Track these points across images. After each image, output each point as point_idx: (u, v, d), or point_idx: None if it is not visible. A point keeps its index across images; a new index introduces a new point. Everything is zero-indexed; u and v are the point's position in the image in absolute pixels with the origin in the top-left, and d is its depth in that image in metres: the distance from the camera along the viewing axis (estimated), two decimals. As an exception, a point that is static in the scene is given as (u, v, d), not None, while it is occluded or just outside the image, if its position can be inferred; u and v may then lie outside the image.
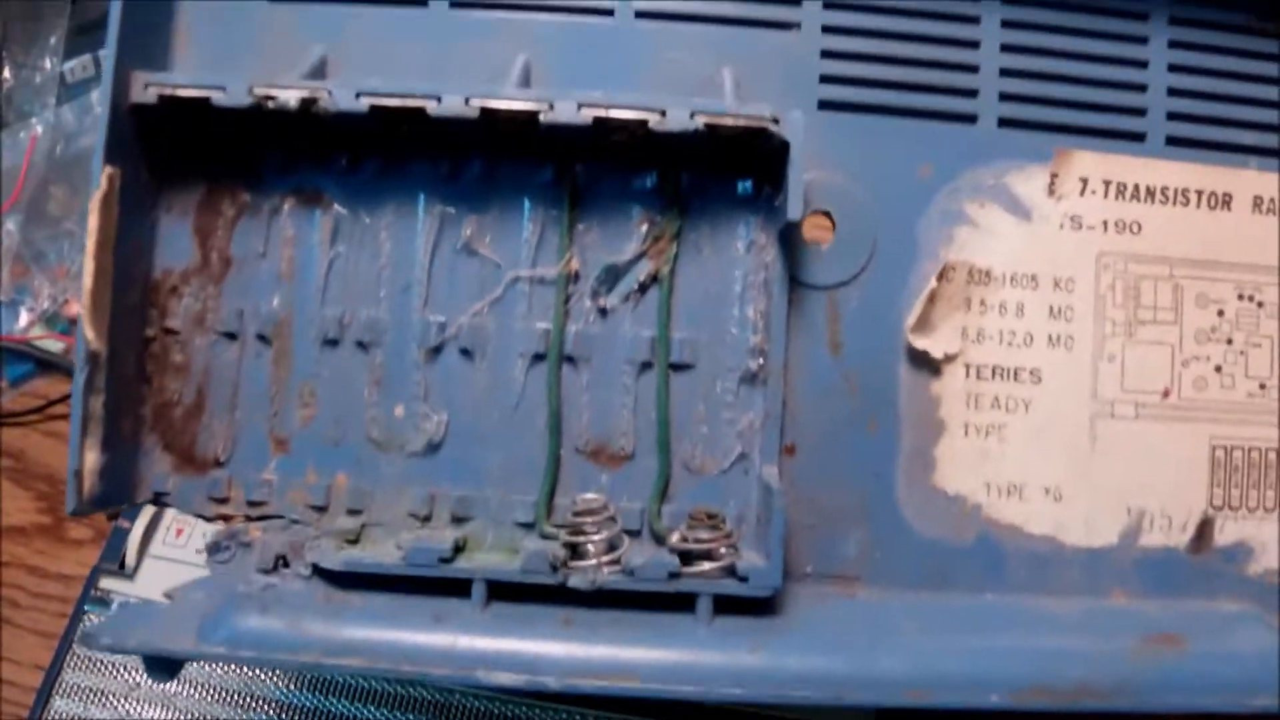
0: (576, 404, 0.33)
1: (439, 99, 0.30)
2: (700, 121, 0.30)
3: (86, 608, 0.47)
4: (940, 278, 0.33)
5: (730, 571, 0.31)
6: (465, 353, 0.33)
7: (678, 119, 0.30)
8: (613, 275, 0.33)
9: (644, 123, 0.30)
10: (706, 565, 0.31)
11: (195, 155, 0.33)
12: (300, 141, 0.33)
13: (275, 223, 0.33)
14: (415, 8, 0.34)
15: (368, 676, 0.33)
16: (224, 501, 0.33)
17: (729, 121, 0.31)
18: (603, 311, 0.33)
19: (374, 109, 0.30)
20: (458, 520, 0.33)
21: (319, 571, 0.31)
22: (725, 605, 0.31)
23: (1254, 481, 0.35)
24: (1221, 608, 0.35)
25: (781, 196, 0.31)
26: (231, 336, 0.33)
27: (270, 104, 0.30)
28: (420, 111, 0.30)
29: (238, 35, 0.34)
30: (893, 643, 0.31)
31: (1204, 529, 0.35)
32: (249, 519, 0.33)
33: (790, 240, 0.32)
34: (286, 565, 0.32)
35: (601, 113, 0.30)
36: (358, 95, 0.30)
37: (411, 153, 0.33)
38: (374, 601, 0.31)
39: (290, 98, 0.31)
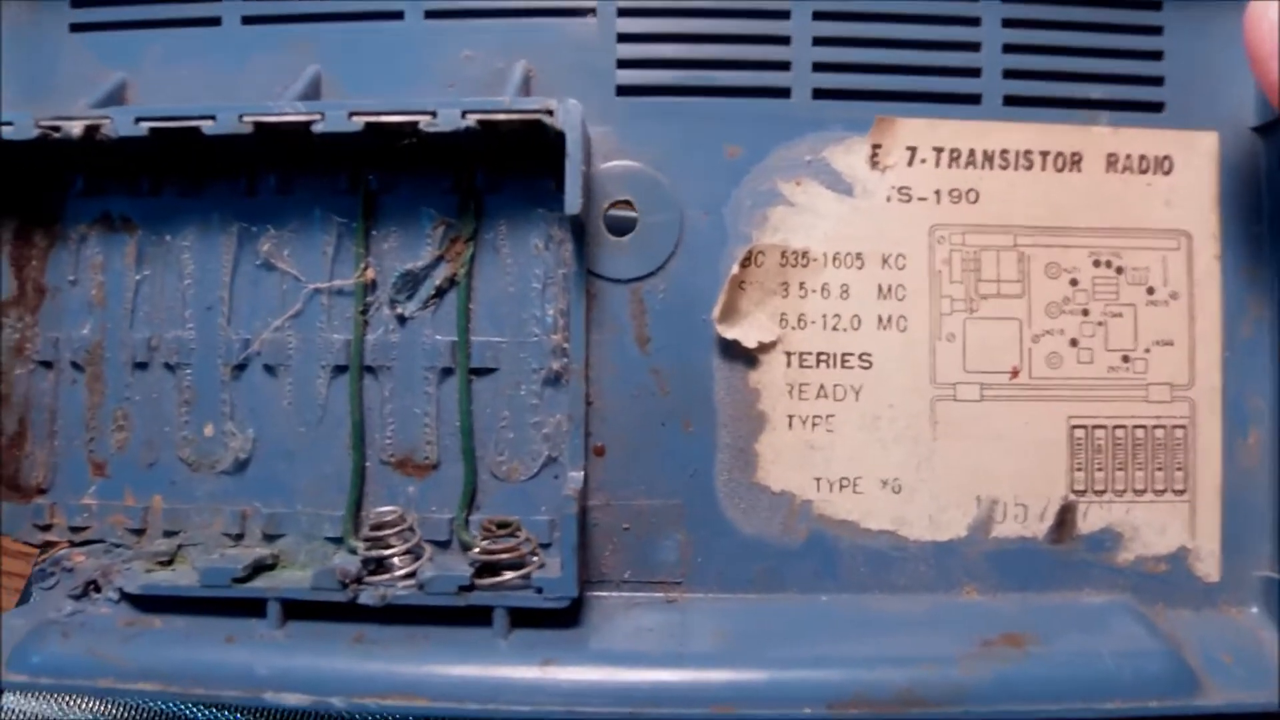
0: (379, 414, 0.32)
1: (214, 118, 0.30)
2: (473, 120, 0.29)
3: None
4: (745, 263, 0.32)
5: (528, 582, 0.30)
6: (269, 369, 0.33)
7: (449, 119, 0.29)
8: (410, 282, 0.32)
9: (415, 124, 0.30)
10: (508, 576, 0.30)
11: (5, 190, 0.33)
12: (105, 169, 0.33)
13: (84, 250, 0.33)
14: (209, 28, 0.33)
15: (167, 701, 0.33)
16: (48, 528, 0.33)
17: (502, 117, 0.30)
18: (401, 319, 0.32)
19: (154, 132, 0.30)
20: (270, 537, 0.32)
21: (126, 596, 0.31)
22: (526, 618, 0.30)
23: (1120, 462, 0.32)
24: (1086, 600, 0.32)
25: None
26: (48, 365, 0.33)
27: (56, 134, 0.31)
28: (197, 131, 0.30)
29: (44, 67, 0.34)
30: (702, 652, 0.30)
31: (1065, 516, 0.32)
32: (72, 544, 0.33)
33: (580, 234, 0.31)
34: (99, 590, 0.32)
35: (372, 118, 0.30)
36: (137, 120, 0.30)
37: (209, 171, 0.33)
38: (174, 624, 0.31)
39: (74, 127, 0.31)
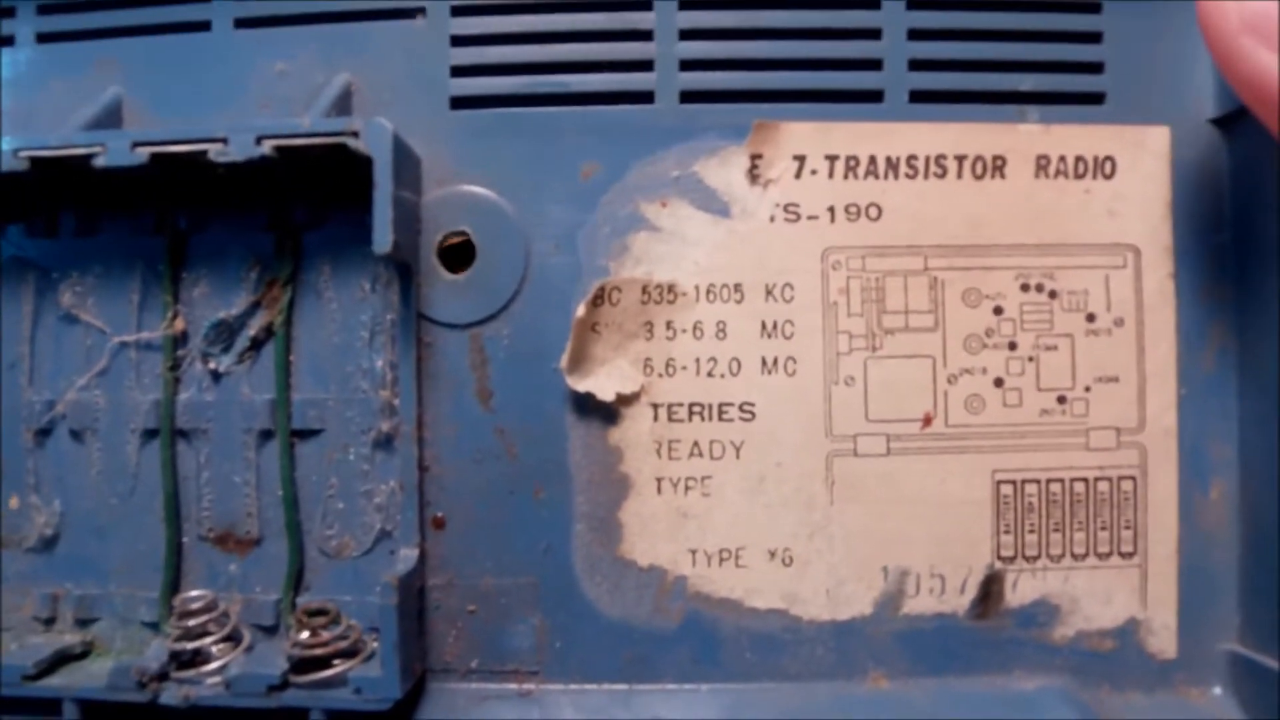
0: (196, 484, 0.28)
1: (-12, 154, 0.26)
2: (269, 146, 0.25)
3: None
4: (596, 301, 0.27)
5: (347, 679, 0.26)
6: (75, 434, 0.29)
7: (242, 145, 0.25)
8: (224, 332, 0.28)
9: (204, 153, 0.25)
10: (330, 671, 0.26)
11: None
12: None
13: (-124, 303, 0.30)
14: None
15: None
16: None
17: (301, 142, 0.25)
18: (216, 375, 0.28)
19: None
20: (83, 622, 0.29)
21: (-83, 693, 0.28)
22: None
23: (1056, 522, 0.27)
24: (1017, 686, 0.27)
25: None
26: None
27: None
28: (-31, 169, 0.26)
29: None
30: (551, 759, 0.26)
31: (990, 588, 0.27)
32: (-125, 631, 0.30)
33: (406, 273, 0.27)
34: (-109, 686, 0.29)
35: (158, 149, 0.26)
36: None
37: (3, 211, 0.29)
38: (-36, 727, 0.27)
39: None
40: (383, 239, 0.25)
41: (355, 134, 0.25)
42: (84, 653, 0.29)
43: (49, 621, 0.29)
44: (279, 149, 0.25)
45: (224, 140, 0.25)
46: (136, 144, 0.26)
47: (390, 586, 0.25)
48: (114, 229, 0.29)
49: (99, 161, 0.26)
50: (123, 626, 0.29)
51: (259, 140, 0.25)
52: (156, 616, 0.28)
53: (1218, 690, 0.27)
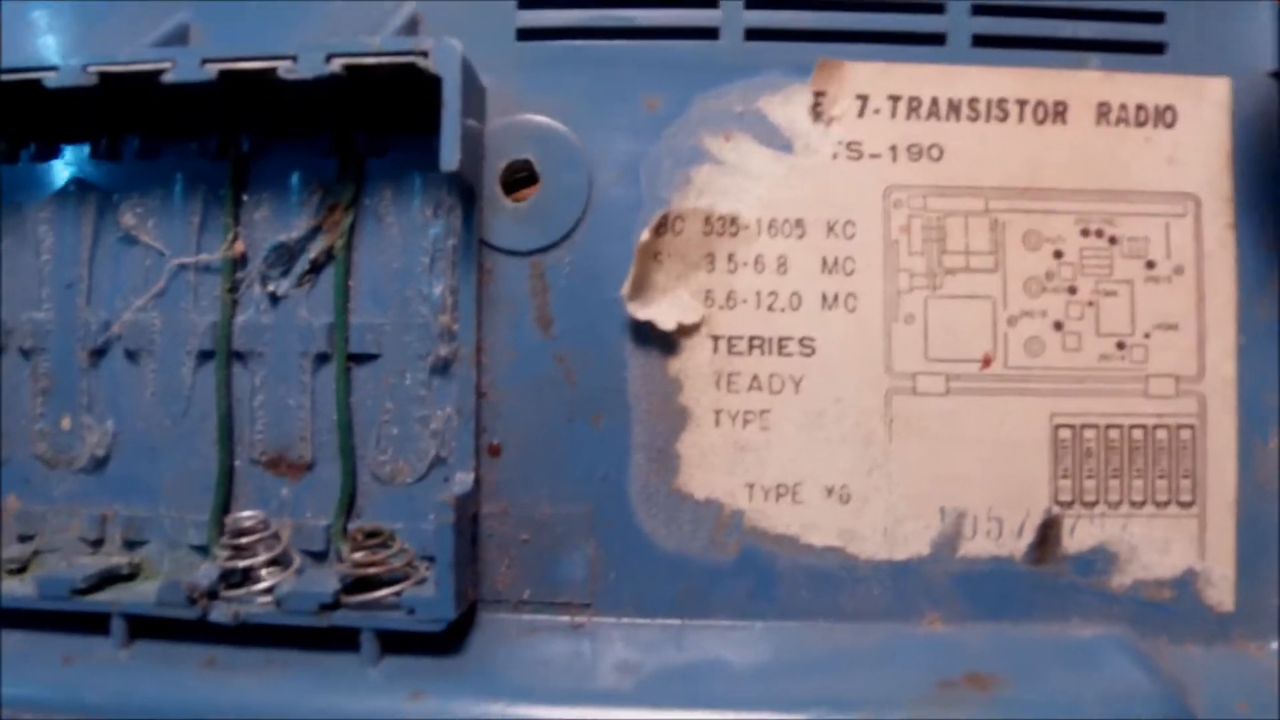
0: (249, 406, 0.28)
1: (56, 69, 0.26)
2: (338, 65, 0.25)
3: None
4: (660, 230, 0.27)
5: (400, 601, 0.25)
6: (130, 355, 0.29)
7: (311, 64, 0.25)
8: (284, 255, 0.28)
9: (273, 70, 0.26)
10: (382, 593, 0.26)
11: None
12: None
13: (-66, 222, 0.30)
14: (71, -27, 0.30)
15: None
16: (-106, 532, 0.30)
17: (371, 61, 0.26)
18: (274, 298, 0.28)
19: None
20: (131, 544, 0.29)
21: (-38, 609, 0.28)
22: (401, 643, 0.26)
23: (1114, 469, 0.27)
24: (1073, 633, 0.27)
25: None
26: (-106, 350, 0.30)
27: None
28: (37, 84, 0.27)
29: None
30: (609, 689, 0.25)
31: (1047, 532, 0.27)
32: (-82, 550, 0.30)
33: (470, 198, 0.27)
34: (-65, 602, 0.28)
35: (227, 66, 0.26)
36: (-29, 72, 0.27)
37: (66, 132, 0.29)
38: (11, 641, 0.27)
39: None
40: (450, 156, 0.25)
41: (425, 54, 0.25)
42: (131, 574, 0.28)
43: (96, 543, 0.29)
44: (348, 68, 0.26)
45: (293, 58, 0.26)
46: (205, 60, 0.26)
47: (447, 506, 0.25)
48: (176, 153, 0.29)
49: (168, 77, 0.26)
50: (170, 550, 0.29)
51: (329, 59, 0.25)
52: (205, 540, 0.28)
53: (1275, 645, 0.27)
